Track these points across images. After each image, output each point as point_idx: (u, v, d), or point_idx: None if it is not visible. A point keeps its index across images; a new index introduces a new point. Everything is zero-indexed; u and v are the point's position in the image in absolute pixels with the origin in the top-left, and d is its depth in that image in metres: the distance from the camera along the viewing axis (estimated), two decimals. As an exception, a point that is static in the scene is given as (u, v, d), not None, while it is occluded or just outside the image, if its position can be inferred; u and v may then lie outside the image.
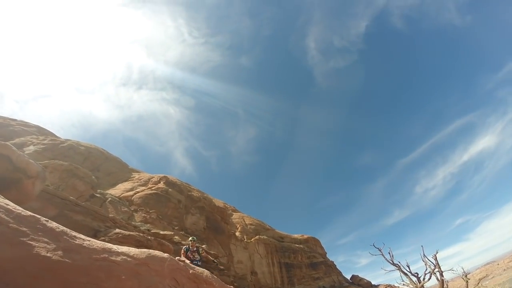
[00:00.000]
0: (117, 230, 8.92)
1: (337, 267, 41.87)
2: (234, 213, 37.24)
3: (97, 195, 14.89)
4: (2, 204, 2.59)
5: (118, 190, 20.42)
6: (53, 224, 2.76)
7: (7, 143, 7.08)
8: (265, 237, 34.40)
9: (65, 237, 2.73)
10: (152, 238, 10.64)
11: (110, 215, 11.56)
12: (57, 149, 19.12)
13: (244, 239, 31.49)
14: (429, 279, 13.11)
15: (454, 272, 12.77)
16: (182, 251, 6.23)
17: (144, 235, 10.45)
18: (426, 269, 13.43)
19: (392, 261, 14.17)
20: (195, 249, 6.46)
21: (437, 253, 13.64)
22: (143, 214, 17.19)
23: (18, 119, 22.88)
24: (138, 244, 8.58)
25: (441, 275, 13.10)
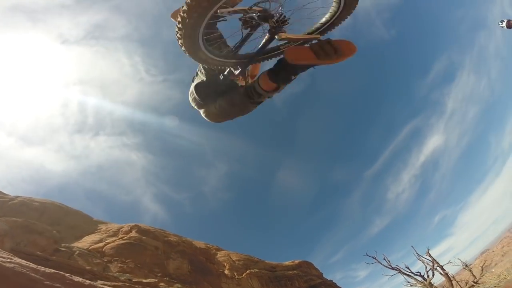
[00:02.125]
0: (99, 282, 7.47)
1: (338, 284, 40.55)
2: (218, 252, 35.12)
3: (62, 249, 12.75)
4: (24, 263, 2.61)
5: (85, 242, 17.98)
6: (79, 279, 2.90)
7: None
8: (257, 270, 32.62)
9: None
10: (140, 287, 9.17)
11: (86, 267, 9.82)
12: (7, 206, 16.66)
13: (235, 276, 29.39)
14: (433, 275, 13.18)
15: (453, 264, 13.02)
16: None
17: (130, 284, 8.94)
18: (426, 267, 13.56)
19: (391, 266, 14.13)
20: None
21: (428, 250, 13.96)
22: (119, 264, 15.09)
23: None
24: None
25: (442, 269, 13.29)
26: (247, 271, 31.18)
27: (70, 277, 2.98)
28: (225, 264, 31.49)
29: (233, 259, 33.93)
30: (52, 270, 2.91)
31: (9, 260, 2.73)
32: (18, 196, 21.12)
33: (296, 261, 40.46)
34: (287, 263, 39.38)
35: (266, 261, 37.13)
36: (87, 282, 3.23)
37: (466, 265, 13.06)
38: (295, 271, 36.62)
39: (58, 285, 2.56)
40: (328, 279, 40.87)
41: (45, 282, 2.46)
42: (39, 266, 2.87)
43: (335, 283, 40.46)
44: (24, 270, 2.63)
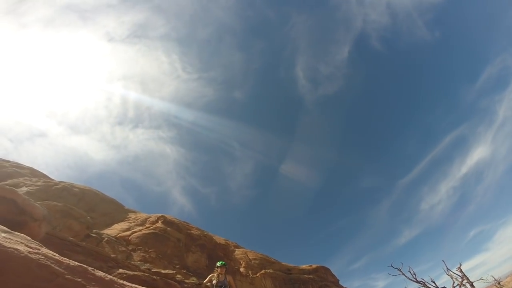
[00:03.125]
0: (121, 270, 8.22)
1: (353, 295, 39.15)
2: (236, 249, 35.68)
3: (93, 235, 14.00)
4: (50, 255, 2.70)
5: (114, 230, 19.42)
6: (100, 273, 2.92)
7: (12, 187, 7.31)
8: (272, 270, 32.56)
9: (116, 285, 2.93)
10: (158, 278, 9.83)
11: (111, 255, 10.76)
12: (51, 191, 18.48)
13: (250, 275, 29.69)
14: (460, 290, 12.34)
15: (484, 281, 12.11)
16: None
17: (149, 275, 9.63)
18: (454, 282, 12.78)
19: (416, 279, 13.49)
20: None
21: (461, 265, 13.18)
22: (142, 254, 16.13)
23: (11, 160, 22.47)
24: (144, 284, 7.90)
25: (472, 285, 12.40)
26: (262, 271, 31.25)
27: (92, 271, 2.99)
28: (241, 262, 31.87)
29: (250, 258, 34.24)
30: (76, 263, 2.91)
31: (36, 251, 2.90)
32: (62, 182, 23.34)
33: (314, 266, 39.74)
34: (304, 266, 38.85)
35: (283, 263, 36.92)
36: (108, 277, 3.08)
37: (499, 282, 12.06)
38: (311, 276, 36.01)
39: (79, 279, 2.67)
40: (344, 286, 39.70)
41: (67, 276, 2.58)
42: (64, 258, 2.90)
43: (351, 293, 39.21)
44: (48, 262, 2.77)
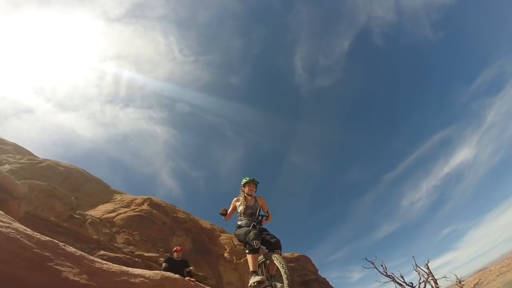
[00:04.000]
0: (102, 252, 8.35)
1: (330, 283, 40.92)
2: (222, 234, 36.13)
3: (76, 216, 13.98)
4: (21, 229, 2.67)
5: (99, 211, 19.41)
6: (71, 249, 2.90)
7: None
8: (255, 257, 33.26)
9: (85, 261, 2.94)
10: (140, 260, 10.02)
11: (93, 236, 10.85)
12: (35, 169, 18.17)
13: (234, 260, 30.38)
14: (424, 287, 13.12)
15: (447, 279, 12.88)
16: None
17: (131, 257, 9.81)
18: (420, 279, 13.51)
19: (386, 273, 14.16)
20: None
21: (428, 262, 13.84)
22: (126, 236, 16.27)
23: (-7, 136, 21.79)
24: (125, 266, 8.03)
25: (435, 283, 13.18)
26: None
27: (63, 247, 2.92)
28: (226, 247, 32.43)
29: (235, 243, 34.81)
30: (47, 239, 2.86)
31: (7, 225, 2.92)
32: (47, 160, 22.87)
33: (296, 254, 41.00)
34: (286, 254, 40.03)
35: (266, 250, 37.87)
36: (79, 253, 3.01)
37: (460, 281, 12.89)
38: (292, 264, 37.22)
39: (48, 253, 2.62)
40: (322, 276, 41.29)
41: (35, 250, 2.54)
42: (35, 233, 2.85)
43: (328, 282, 40.80)
44: (18, 236, 2.82)
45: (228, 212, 3.94)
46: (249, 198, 3.96)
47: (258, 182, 4.18)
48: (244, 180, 4.13)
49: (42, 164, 20.71)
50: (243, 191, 4.05)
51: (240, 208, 3.85)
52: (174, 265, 5.92)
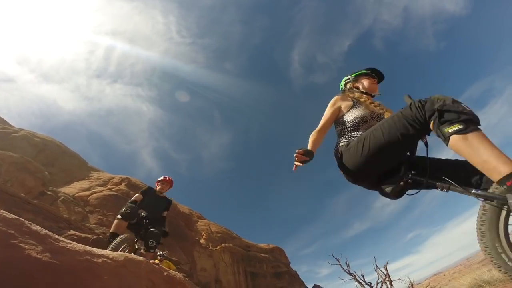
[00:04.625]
0: (71, 232, 8.27)
1: (300, 277, 42.65)
2: (199, 220, 36.28)
3: (48, 192, 13.63)
4: None
5: (73, 188, 18.97)
6: (37, 227, 3.03)
7: None
8: (232, 245, 34.06)
9: (50, 239, 3.01)
10: (108, 240, 10.01)
11: (64, 215, 10.68)
12: (8, 139, 17.39)
13: (209, 247, 30.85)
14: (381, 288, 14.04)
15: (402, 281, 13.79)
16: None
17: (103, 237, 9.79)
18: (378, 279, 14.41)
19: (349, 271, 14.97)
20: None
21: (387, 264, 14.71)
22: (99, 216, 16.10)
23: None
24: (95, 247, 8.02)
25: (391, 284, 14.14)
26: (223, 244, 32.33)
27: (29, 225, 3.20)
28: (202, 234, 32.74)
29: (212, 230, 35.18)
30: (14, 216, 3.16)
31: None
32: (22, 129, 21.81)
33: (271, 246, 42.13)
34: (262, 245, 41.03)
35: (243, 239, 38.56)
36: (44, 231, 3.38)
37: (412, 285, 13.91)
38: (267, 255, 38.30)
39: (13, 231, 2.91)
40: (294, 269, 42.91)
41: (0, 227, 2.87)
42: (2, 211, 3.20)
43: (298, 275, 42.52)
44: None
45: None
46: (369, 103, 1.99)
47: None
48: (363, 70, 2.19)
49: (16, 134, 19.81)
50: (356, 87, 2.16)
51: (357, 114, 1.90)
52: (150, 201, 4.25)
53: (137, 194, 4.36)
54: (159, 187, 4.51)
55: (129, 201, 4.18)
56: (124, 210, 3.81)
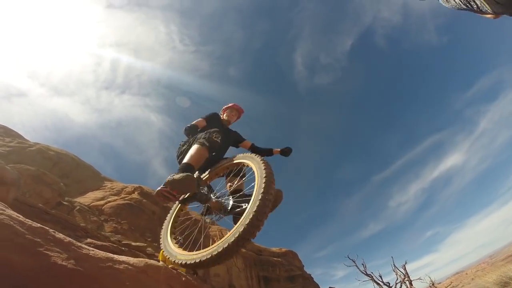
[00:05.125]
0: (89, 240, 8.48)
1: (314, 279, 41.94)
2: (211, 226, 36.38)
3: (65, 203, 14.01)
4: (14, 216, 2.95)
5: (88, 198, 19.41)
6: (60, 235, 3.22)
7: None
8: (244, 250, 33.81)
9: (73, 247, 3.14)
10: (126, 249, 10.20)
11: (81, 224, 10.95)
12: (24, 153, 17.99)
13: (222, 253, 30.79)
14: (400, 288, 13.70)
15: (422, 281, 13.45)
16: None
17: (117, 246, 9.98)
18: (397, 279, 14.06)
19: (366, 272, 14.69)
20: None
21: (406, 263, 14.38)
22: (114, 225, 16.38)
23: (-19, 119, 21.45)
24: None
25: (411, 284, 13.77)
26: (235, 250, 32.42)
27: (53, 233, 3.32)
28: (215, 239, 32.77)
29: (224, 235, 35.28)
30: (38, 225, 3.28)
31: (1, 211, 3.21)
32: (37, 143, 22.61)
33: (283, 249, 41.70)
34: (274, 249, 40.70)
35: (255, 244, 38.37)
36: (67, 239, 3.52)
37: (433, 284, 13.52)
38: (279, 259, 37.92)
39: (39, 239, 3.04)
40: (307, 272, 42.24)
41: (27, 236, 2.96)
42: (27, 220, 3.33)
43: (312, 278, 41.81)
44: (12, 223, 3.08)
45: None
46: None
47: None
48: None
49: (32, 148, 20.48)
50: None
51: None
52: (220, 133, 2.64)
53: (199, 119, 3.09)
54: (227, 117, 3.45)
55: (189, 125, 2.88)
56: (212, 137, 2.54)
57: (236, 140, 3.44)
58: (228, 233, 2.05)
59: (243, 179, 2.77)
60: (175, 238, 2.79)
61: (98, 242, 9.21)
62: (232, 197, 2.62)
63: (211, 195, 2.74)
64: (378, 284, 14.48)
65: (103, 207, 18.36)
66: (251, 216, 1.88)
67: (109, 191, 23.57)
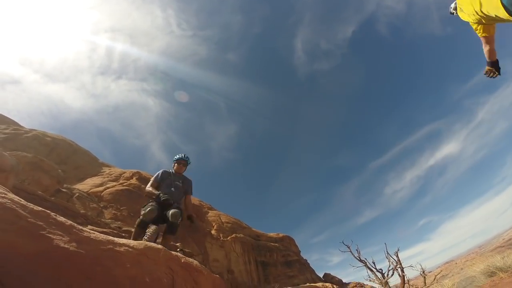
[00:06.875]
0: (89, 227, 8.55)
1: (310, 265, 43.08)
2: (210, 211, 36.70)
3: (64, 190, 13.99)
4: (16, 199, 2.85)
5: (86, 185, 19.40)
6: (62, 219, 3.08)
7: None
8: (242, 235, 34.51)
9: (74, 230, 3.14)
10: (127, 235, 10.34)
11: (81, 211, 11.00)
12: (20, 140, 17.76)
13: (221, 238, 31.34)
14: (392, 275, 14.03)
15: (413, 268, 13.75)
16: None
17: (117, 232, 10.09)
18: (389, 266, 14.35)
19: (360, 258, 14.96)
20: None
21: (398, 250, 14.60)
22: (113, 211, 16.49)
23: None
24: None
25: (402, 271, 14.09)
26: (233, 234, 32.77)
27: (54, 216, 3.20)
28: (213, 224, 33.19)
29: (222, 221, 35.58)
30: (40, 208, 3.22)
31: (3, 195, 3.20)
32: (33, 130, 22.24)
33: (281, 235, 42.53)
34: (271, 234, 41.46)
35: (253, 229, 39.01)
36: (69, 222, 3.47)
37: (423, 271, 13.88)
38: (276, 244, 38.73)
39: (41, 223, 3.01)
40: (304, 258, 43.30)
41: (29, 219, 2.94)
42: (29, 203, 3.31)
43: (309, 263, 42.92)
44: (14, 206, 3.06)
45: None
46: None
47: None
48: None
49: (28, 135, 20.20)
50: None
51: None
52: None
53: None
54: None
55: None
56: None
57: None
58: None
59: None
60: None
61: (99, 228, 9.29)
62: None
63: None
64: (371, 270, 14.77)
65: (102, 194, 18.36)
66: None
67: (108, 177, 23.48)
